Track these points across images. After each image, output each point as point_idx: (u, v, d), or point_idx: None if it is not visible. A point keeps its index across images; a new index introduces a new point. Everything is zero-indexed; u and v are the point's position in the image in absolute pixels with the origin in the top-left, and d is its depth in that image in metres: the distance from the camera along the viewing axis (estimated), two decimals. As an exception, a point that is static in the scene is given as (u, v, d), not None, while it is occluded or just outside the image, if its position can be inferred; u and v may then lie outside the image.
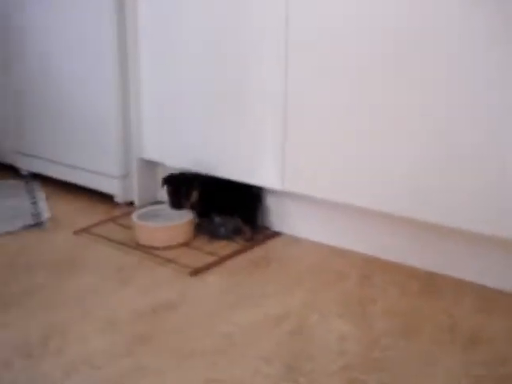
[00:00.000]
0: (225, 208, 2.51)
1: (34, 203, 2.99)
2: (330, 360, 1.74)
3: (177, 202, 2.50)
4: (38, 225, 2.73)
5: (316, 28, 2.24)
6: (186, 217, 2.51)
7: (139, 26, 2.67)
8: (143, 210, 2.61)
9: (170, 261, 2.35)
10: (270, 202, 2.59)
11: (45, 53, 3.00)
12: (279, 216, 2.58)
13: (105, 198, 2.94)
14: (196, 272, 2.26)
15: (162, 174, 2.78)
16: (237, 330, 1.90)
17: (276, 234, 2.58)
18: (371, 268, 2.28)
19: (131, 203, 2.91)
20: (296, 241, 2.53)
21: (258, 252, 2.45)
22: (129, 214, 2.69)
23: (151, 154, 2.82)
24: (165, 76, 2.68)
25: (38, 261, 2.40)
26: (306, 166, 2.35)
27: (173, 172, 2.64)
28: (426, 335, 1.88)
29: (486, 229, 2.00)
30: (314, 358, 1.75)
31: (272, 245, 2.52)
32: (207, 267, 2.30)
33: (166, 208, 2.58)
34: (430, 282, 2.18)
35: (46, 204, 2.95)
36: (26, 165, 3.27)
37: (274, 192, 2.53)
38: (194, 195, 2.51)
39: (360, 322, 1.94)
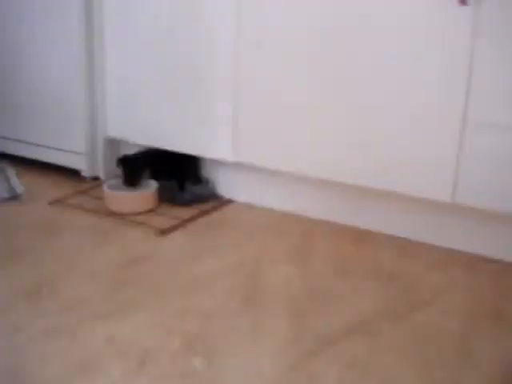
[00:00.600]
0: (172, 177, 2.90)
1: (6, 179, 3.27)
2: (279, 293, 2.16)
3: (130, 180, 2.85)
4: (14, 198, 3.03)
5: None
6: (152, 186, 2.87)
7: (104, 11, 2.96)
8: (113, 182, 2.95)
9: (139, 224, 2.71)
10: (225, 172, 2.97)
11: (10, 32, 3.20)
12: (233, 185, 2.97)
13: (72, 174, 3.25)
14: (163, 232, 2.64)
15: (125, 149, 3.12)
16: (201, 274, 2.29)
17: (231, 202, 2.97)
18: (313, 227, 2.71)
19: (97, 178, 3.23)
20: (249, 207, 2.93)
21: (214, 216, 2.84)
22: (96, 187, 3.03)
23: (115, 131, 3.15)
24: (126, 57, 2.98)
25: (21, 226, 2.71)
26: (258, 138, 2.73)
27: (134, 149, 2.99)
28: (355, 274, 2.32)
29: (413, 191, 2.44)
30: (267, 292, 2.17)
31: (227, 210, 2.91)
32: (172, 228, 2.68)
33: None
34: (363, 237, 2.62)
35: (17, 180, 3.22)
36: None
37: (227, 163, 2.91)
38: (146, 173, 2.88)
39: (302, 265, 2.37)
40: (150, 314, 2.03)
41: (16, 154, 3.41)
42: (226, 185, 2.99)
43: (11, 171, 3.32)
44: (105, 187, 2.87)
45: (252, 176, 2.90)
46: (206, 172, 3.02)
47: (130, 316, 2.02)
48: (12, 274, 2.30)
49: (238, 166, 2.88)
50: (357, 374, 1.76)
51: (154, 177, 2.94)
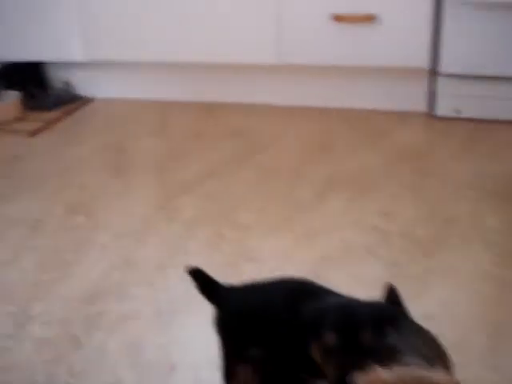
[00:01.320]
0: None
1: None
2: (144, 158, 2.53)
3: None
4: None
5: None
6: (13, 95, 3.09)
7: None
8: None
9: (9, 131, 2.95)
10: (79, 72, 3.23)
11: None
12: (90, 84, 3.24)
13: None
14: (32, 134, 2.90)
15: None
16: (74, 159, 2.61)
17: (91, 100, 3.25)
18: (170, 107, 3.06)
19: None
20: (108, 102, 3.22)
21: (78, 114, 3.12)
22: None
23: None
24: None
25: None
26: (105, 34, 2.99)
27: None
28: (207, 136, 2.73)
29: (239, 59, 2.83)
30: (134, 160, 2.53)
31: (89, 108, 3.19)
32: (41, 129, 2.95)
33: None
34: (212, 108, 3.01)
35: None
36: None
37: (81, 63, 3.16)
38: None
39: (162, 137, 2.74)
40: (34, 194, 2.34)
41: None
42: (84, 84, 3.24)
43: None
44: (-30, 103, 3.05)
45: (107, 72, 3.18)
46: (63, 75, 3.25)
47: (19, 197, 2.32)
48: None
49: (92, 65, 3.14)
50: (212, 203, 2.19)
51: (12, 88, 3.13)
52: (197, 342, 1.56)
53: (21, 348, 1.59)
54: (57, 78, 3.26)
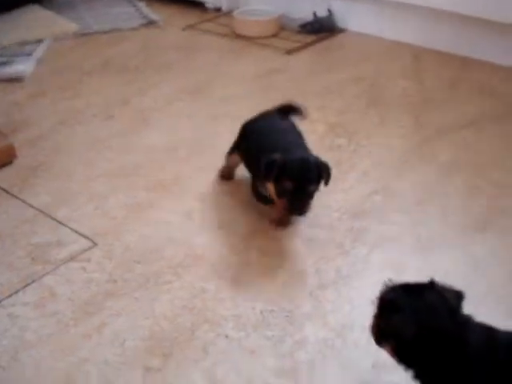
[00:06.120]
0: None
1: (138, 10, 3.69)
2: (398, 99, 2.57)
3: None
4: (152, 23, 3.45)
5: None
6: (275, 13, 3.24)
7: None
8: (241, 10, 3.32)
9: (266, 45, 3.11)
10: (338, 2, 3.29)
11: None
12: (346, 15, 3.29)
13: (195, 6, 3.62)
14: (289, 52, 3.04)
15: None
16: (329, 83, 2.71)
17: (344, 30, 3.31)
18: (422, 53, 3.04)
19: (219, 9, 3.60)
20: (361, 35, 3.26)
21: (332, 41, 3.20)
22: (220, 16, 3.41)
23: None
24: None
25: (163, 47, 3.15)
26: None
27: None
28: (462, 89, 2.69)
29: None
30: (388, 98, 2.59)
31: (342, 38, 3.26)
32: (297, 49, 3.07)
33: (258, 9, 3.29)
34: (467, 63, 2.95)
35: (148, 9, 3.63)
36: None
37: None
38: None
39: (415, 81, 2.75)
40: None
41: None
42: (340, 15, 3.31)
43: (139, 3, 3.73)
44: (235, 13, 3.25)
45: (364, 6, 3.22)
46: (327, 2, 3.33)
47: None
48: (168, 78, 2.77)
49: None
50: (467, 153, 2.19)
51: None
52: (452, 275, 1.60)
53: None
54: (320, 4, 3.32)
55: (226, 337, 1.47)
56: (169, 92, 2.65)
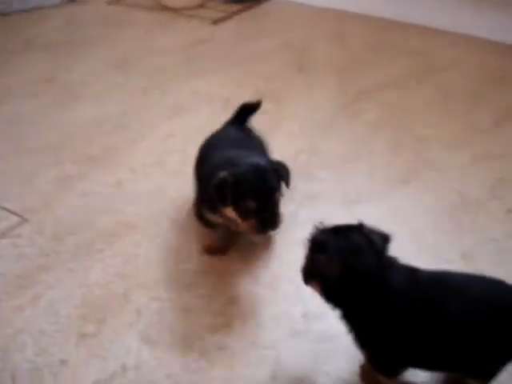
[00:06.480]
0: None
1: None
2: (325, 62, 2.62)
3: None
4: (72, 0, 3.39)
5: None
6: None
7: None
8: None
9: (193, 16, 3.11)
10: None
11: None
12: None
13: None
14: (216, 22, 3.04)
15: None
16: (257, 50, 2.73)
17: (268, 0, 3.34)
18: (347, 18, 3.10)
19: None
20: (286, 3, 3.29)
21: (257, 10, 3.23)
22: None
23: None
24: None
25: (89, 22, 3.11)
26: None
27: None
28: (383, 51, 2.76)
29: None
30: (315, 62, 2.63)
31: (267, 6, 3.28)
32: (223, 19, 3.08)
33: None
34: (389, 26, 3.02)
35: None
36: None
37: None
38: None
39: (340, 45, 2.80)
40: (221, 77, 2.50)
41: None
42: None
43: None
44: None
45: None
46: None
47: (207, 77, 2.49)
48: (95, 53, 2.73)
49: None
50: (392, 112, 2.26)
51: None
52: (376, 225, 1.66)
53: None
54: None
55: (159, 299, 1.49)
56: (95, 67, 2.63)
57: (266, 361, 1.34)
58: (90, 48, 2.80)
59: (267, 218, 1.45)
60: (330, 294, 1.19)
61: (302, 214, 1.75)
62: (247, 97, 2.32)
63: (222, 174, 1.43)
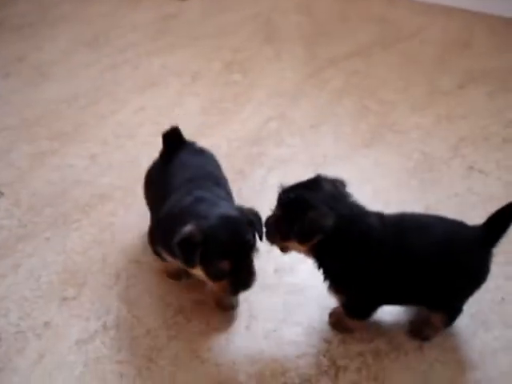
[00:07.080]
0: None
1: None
2: (293, 33, 2.67)
3: None
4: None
5: None
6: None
7: None
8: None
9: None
10: None
11: None
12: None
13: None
14: (184, -2, 3.07)
15: None
16: (226, 23, 2.77)
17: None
18: None
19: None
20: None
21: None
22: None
23: None
24: None
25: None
26: None
27: None
28: (353, 20, 2.82)
29: None
30: (283, 32, 2.68)
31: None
32: (191, -6, 3.10)
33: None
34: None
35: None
36: None
37: None
38: None
39: (308, 15, 2.85)
40: (190, 50, 2.54)
41: None
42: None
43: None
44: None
45: None
46: None
47: (176, 52, 2.53)
48: (64, 32, 2.75)
49: None
50: (358, 78, 2.32)
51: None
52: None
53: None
54: None
55: (137, 262, 1.55)
56: (66, 45, 2.65)
57: (240, 314, 1.41)
58: (60, 27, 2.81)
59: (241, 278, 1.27)
60: (324, 246, 1.22)
61: (271, 179, 1.81)
62: (215, 70, 2.39)
63: (188, 228, 1.22)
